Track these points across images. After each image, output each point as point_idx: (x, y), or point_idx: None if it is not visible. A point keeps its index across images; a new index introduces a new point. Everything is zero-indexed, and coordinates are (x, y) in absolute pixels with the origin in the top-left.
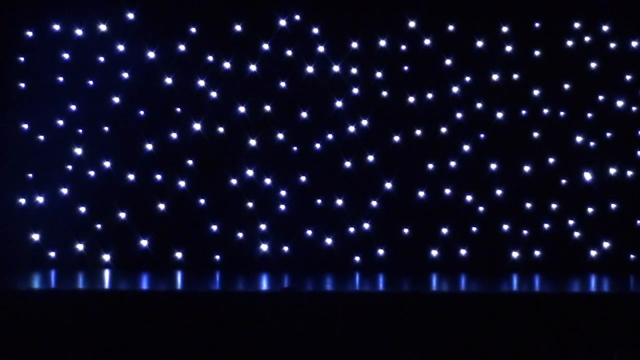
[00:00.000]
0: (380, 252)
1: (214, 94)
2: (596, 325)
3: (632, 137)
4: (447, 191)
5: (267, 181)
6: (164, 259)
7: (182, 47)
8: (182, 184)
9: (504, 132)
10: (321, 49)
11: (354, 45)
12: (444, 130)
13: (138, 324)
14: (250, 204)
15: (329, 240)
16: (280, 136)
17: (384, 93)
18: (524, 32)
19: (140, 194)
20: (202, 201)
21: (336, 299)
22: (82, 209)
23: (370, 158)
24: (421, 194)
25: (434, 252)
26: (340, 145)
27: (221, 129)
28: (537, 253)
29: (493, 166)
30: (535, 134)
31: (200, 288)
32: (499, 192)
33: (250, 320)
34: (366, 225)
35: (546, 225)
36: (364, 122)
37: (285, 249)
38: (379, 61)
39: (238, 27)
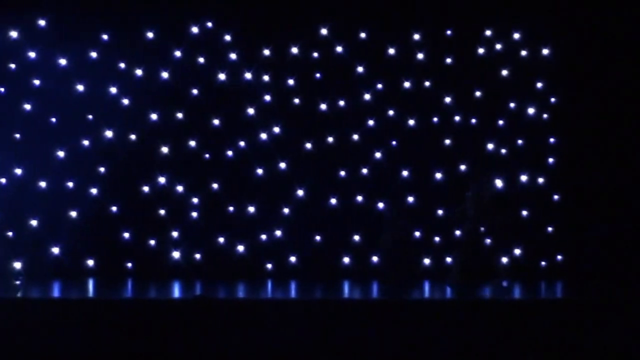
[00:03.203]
0: (292, 259)
1: (125, 101)
2: (507, 331)
3: (542, 144)
4: (359, 198)
5: (179, 188)
6: (75, 266)
7: (93, 54)
8: (93, 191)
9: (416, 139)
10: (233, 56)
11: (266, 52)
12: (355, 137)
13: (49, 332)
14: (162, 211)
15: (241, 248)
16: (192, 143)
17: (296, 100)
18: (435, 40)
19: (51, 201)
20: (114, 208)
21: (248, 307)
22: None
23: (282, 165)
24: (333, 201)
25: (346, 259)
26: (252, 152)
27: (133, 136)
28: (448, 260)
29: (405, 173)
30: (447, 141)
31: (112, 296)
32: (410, 199)
33: (162, 328)
34: (278, 233)
35: (457, 232)
36: (276, 129)
37: (198, 256)
38: (290, 68)
39: (150, 34)
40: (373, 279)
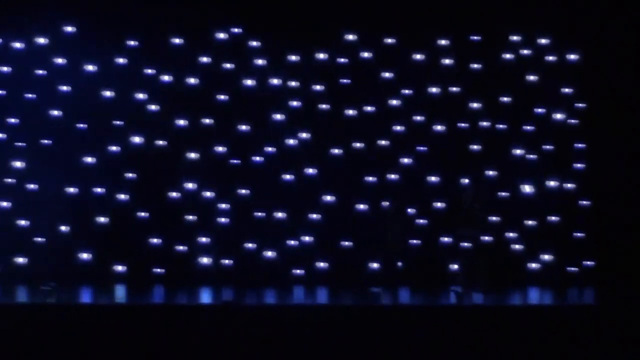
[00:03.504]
0: (321, 264)
1: (153, 107)
2: (537, 337)
3: (570, 150)
4: (387, 203)
5: (208, 194)
6: (105, 272)
7: (121, 60)
8: (123, 197)
9: (444, 144)
10: (260, 62)
11: (294, 58)
12: (383, 142)
13: (80, 338)
14: (191, 217)
15: (270, 253)
16: (221, 149)
17: (323, 105)
18: (463, 45)
19: (81, 207)
20: (143, 214)
21: (277, 312)
22: (23, 222)
23: (310, 170)
24: (361, 206)
25: (375, 265)
26: (280, 157)
27: (162, 142)
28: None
29: (432, 178)
30: (475, 147)
31: (142, 301)
32: (438, 204)
33: (191, 333)
34: (307, 238)
35: (486, 238)
36: (304, 135)
37: (227, 262)
38: (318, 74)
39: (177, 40)
40: (401, 285)
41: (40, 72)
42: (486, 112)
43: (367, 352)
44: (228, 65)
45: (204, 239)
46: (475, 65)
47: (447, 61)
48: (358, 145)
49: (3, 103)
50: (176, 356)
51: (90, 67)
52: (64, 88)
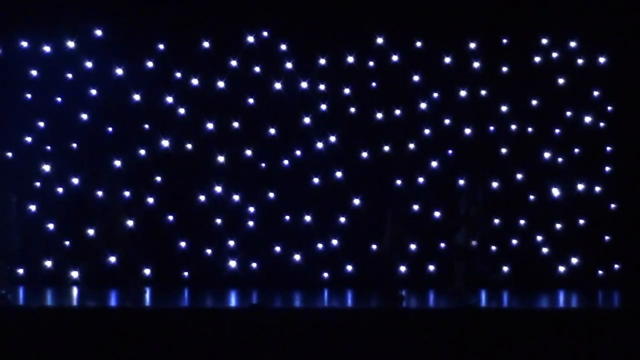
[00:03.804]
0: (349, 268)
1: (182, 111)
2: (565, 340)
3: (599, 153)
4: (415, 207)
5: (236, 197)
6: (132, 275)
7: (149, 64)
8: (150, 200)
9: (472, 148)
10: (289, 65)
11: (322, 61)
12: (412, 146)
13: (107, 341)
14: (218, 220)
15: (297, 257)
16: (249, 152)
17: (352, 109)
18: (491, 48)
19: (108, 211)
20: (170, 217)
21: (305, 316)
22: (51, 226)
23: (339, 174)
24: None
25: (403, 268)
26: (308, 161)
27: (189, 145)
28: (505, 269)
29: (461, 182)
30: (503, 150)
31: (169, 304)
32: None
33: (218, 337)
34: (334, 242)
35: (514, 241)
36: (332, 139)
37: (254, 265)
38: (346, 77)
39: (206, 44)
40: (429, 288)
41: (69, 75)
42: (515, 115)
43: (395, 355)
44: (257, 69)
45: (231, 242)
46: (504, 68)
47: (475, 64)
48: (386, 148)
49: (31, 107)
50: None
51: (118, 71)
52: (93, 91)
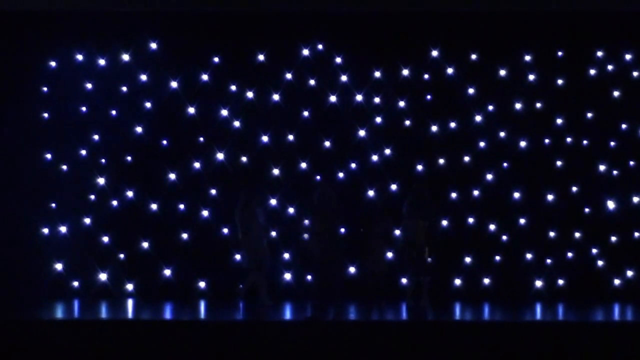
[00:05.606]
0: (404, 281)
1: (237, 124)
2: (620, 354)
3: None
4: (470, 220)
5: (290, 210)
6: (187, 288)
7: (205, 77)
8: (205, 213)
9: (527, 161)
10: (344, 78)
11: (377, 74)
12: (467, 159)
13: (161, 354)
14: (273, 233)
15: (351, 269)
16: (304, 165)
17: (407, 122)
18: (546, 61)
19: (163, 224)
20: (225, 230)
21: (357, 328)
22: (105, 239)
23: (393, 186)
24: (444, 222)
25: (457, 281)
26: (363, 173)
27: (244, 159)
28: (560, 282)
29: (516, 195)
30: (559, 163)
31: (224, 317)
32: (522, 221)
33: (273, 349)
34: (389, 254)
35: (570, 254)
36: (387, 151)
37: (309, 277)
38: (401, 90)
39: (261, 57)
40: (484, 301)
41: (124, 88)
42: (570, 128)
43: None
44: (312, 82)
45: (286, 255)
46: (559, 81)
47: (531, 77)
48: (441, 161)
49: (86, 120)
50: None
51: (173, 84)
52: (147, 104)
